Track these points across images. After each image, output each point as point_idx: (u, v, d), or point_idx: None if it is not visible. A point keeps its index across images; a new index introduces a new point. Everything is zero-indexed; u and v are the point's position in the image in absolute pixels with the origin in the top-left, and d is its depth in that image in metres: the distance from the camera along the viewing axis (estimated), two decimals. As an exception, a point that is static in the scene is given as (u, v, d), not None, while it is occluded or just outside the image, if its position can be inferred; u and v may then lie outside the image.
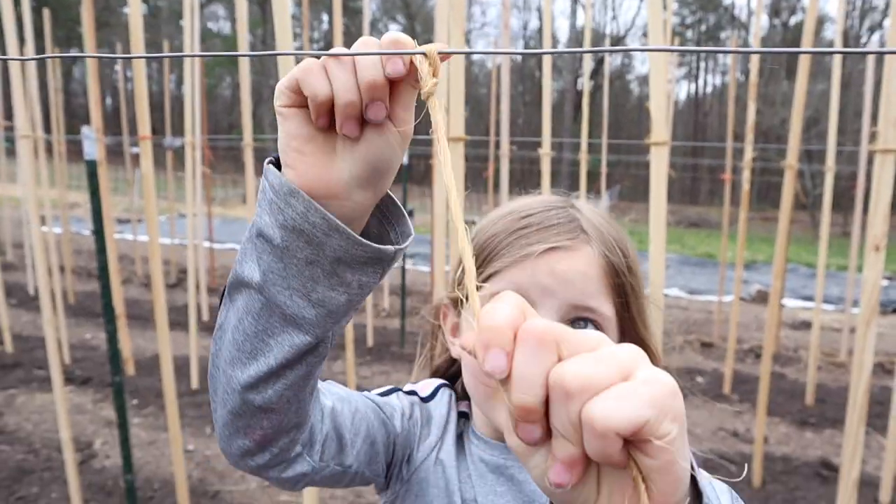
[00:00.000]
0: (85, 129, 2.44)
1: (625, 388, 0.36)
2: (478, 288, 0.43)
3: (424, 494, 0.79)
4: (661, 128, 1.90)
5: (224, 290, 0.62)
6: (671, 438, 0.36)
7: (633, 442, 0.36)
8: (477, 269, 0.70)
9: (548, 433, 0.38)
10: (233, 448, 0.65)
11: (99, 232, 2.56)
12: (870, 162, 4.01)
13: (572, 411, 0.36)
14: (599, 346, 0.38)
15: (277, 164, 0.58)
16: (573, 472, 0.38)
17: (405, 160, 5.65)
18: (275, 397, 0.60)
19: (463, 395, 0.88)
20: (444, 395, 0.86)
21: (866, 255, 2.09)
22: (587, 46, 4.95)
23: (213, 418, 0.66)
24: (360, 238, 0.55)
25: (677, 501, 0.38)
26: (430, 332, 0.89)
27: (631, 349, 0.39)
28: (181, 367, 4.68)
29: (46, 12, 6.11)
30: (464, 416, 0.85)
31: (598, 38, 23.99)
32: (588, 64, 5.14)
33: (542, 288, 0.70)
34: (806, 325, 6.72)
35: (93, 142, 2.36)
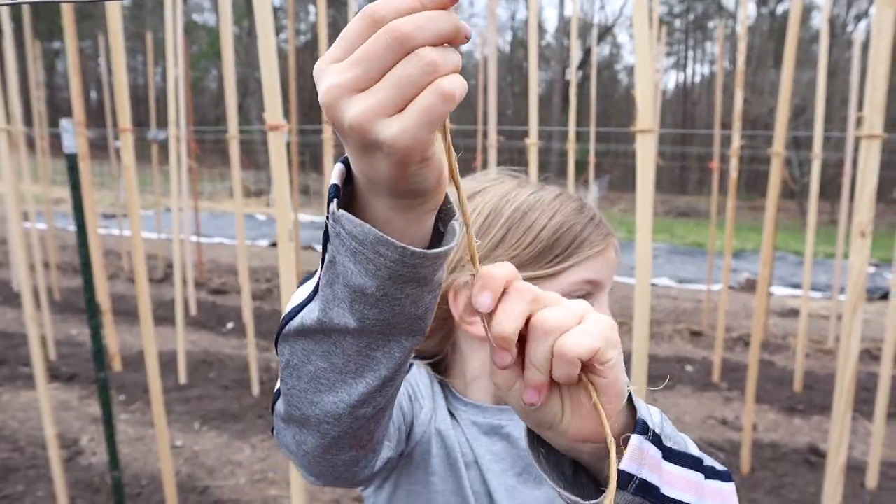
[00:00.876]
0: (64, 122, 2.39)
1: (582, 327, 0.50)
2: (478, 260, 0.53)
3: (427, 465, 0.80)
4: (646, 115, 1.88)
5: (283, 329, 0.56)
6: (614, 362, 0.51)
7: (586, 366, 0.50)
8: (562, 252, 0.78)
9: (520, 367, 0.52)
10: (337, 466, 0.62)
11: (81, 227, 2.52)
12: (856, 149, 4.02)
13: (547, 346, 0.49)
14: (560, 301, 0.52)
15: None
16: (541, 394, 0.52)
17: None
18: (384, 400, 0.58)
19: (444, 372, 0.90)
20: (421, 367, 0.86)
21: (852, 241, 2.09)
22: (574, 36, 4.92)
23: (298, 454, 0.61)
24: (448, 248, 0.49)
25: (620, 409, 0.54)
26: None
27: (581, 303, 0.52)
28: (169, 362, 4.64)
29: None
30: (444, 387, 0.87)
31: (585, 26, 23.96)
32: (576, 52, 5.13)
33: (609, 274, 0.82)
34: (794, 313, 6.76)
35: (72, 135, 2.32)
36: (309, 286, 0.56)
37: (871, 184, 2.08)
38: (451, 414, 0.84)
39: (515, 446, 0.82)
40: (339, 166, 0.49)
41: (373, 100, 0.38)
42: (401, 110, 0.39)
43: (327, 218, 0.48)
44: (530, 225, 0.77)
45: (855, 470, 3.33)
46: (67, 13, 4.25)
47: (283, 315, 0.56)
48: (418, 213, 0.48)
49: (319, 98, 0.40)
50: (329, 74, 0.40)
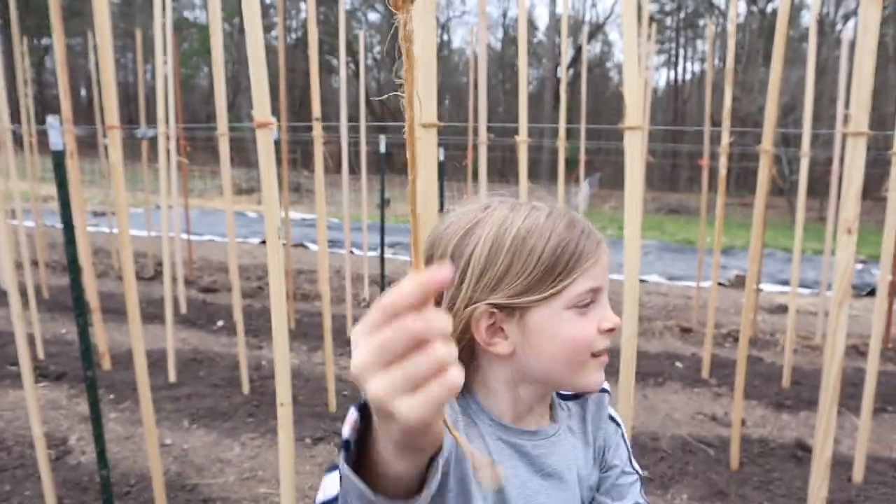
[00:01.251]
0: (50, 119, 2.38)
1: None
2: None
3: (446, 483, 0.84)
4: (635, 112, 1.89)
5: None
6: None
7: None
8: (563, 269, 0.84)
9: None
10: None
11: (68, 224, 2.51)
12: (844, 146, 4.04)
13: None
14: None
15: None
16: None
17: (383, 149, 5.62)
18: None
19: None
20: None
21: (838, 238, 2.10)
22: (564, 33, 4.93)
23: None
24: (426, 498, 0.60)
25: None
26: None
27: None
28: (159, 360, 4.62)
29: None
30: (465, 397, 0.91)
31: (576, 24, 23.98)
32: (566, 50, 5.14)
33: (606, 278, 0.88)
34: (783, 309, 6.80)
35: (58, 131, 2.31)
36: (336, 480, 0.70)
37: (857, 181, 2.09)
38: (473, 424, 0.88)
39: (532, 463, 0.89)
40: (354, 414, 0.59)
41: (391, 380, 0.47)
42: (415, 389, 0.47)
43: (340, 458, 0.61)
44: (531, 250, 0.82)
45: (842, 465, 3.36)
46: (54, 9, 4.21)
47: (318, 502, 0.76)
48: (418, 460, 0.58)
49: (351, 366, 0.49)
50: (359, 350, 0.48)
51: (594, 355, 0.86)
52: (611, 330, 0.86)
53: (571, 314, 0.83)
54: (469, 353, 0.89)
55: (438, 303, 0.87)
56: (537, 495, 0.88)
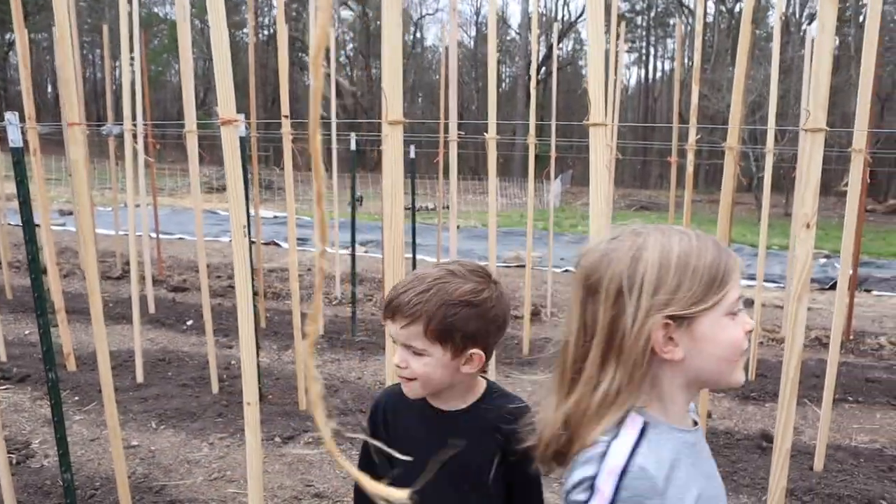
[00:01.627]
0: (8, 115, 2.33)
1: None
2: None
3: None
4: (599, 109, 1.91)
5: None
6: None
7: None
8: (720, 282, 0.96)
9: None
10: None
11: (28, 222, 2.46)
12: (806, 144, 4.11)
13: None
14: None
15: None
16: None
17: (353, 146, 5.60)
18: None
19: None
20: (645, 456, 0.94)
21: (797, 233, 2.14)
22: (535, 31, 4.96)
23: None
24: None
25: None
26: (605, 357, 0.98)
27: None
28: (126, 360, 4.56)
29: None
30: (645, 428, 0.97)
31: (549, 23, 24.10)
32: (537, 48, 5.16)
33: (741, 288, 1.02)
34: (749, 303, 6.93)
35: (16, 128, 2.26)
36: None
37: (815, 176, 2.14)
38: (664, 442, 0.96)
39: (705, 458, 1.02)
40: None
41: None
42: None
43: None
44: (693, 269, 0.96)
45: (804, 454, 3.44)
46: (15, 3, 4.11)
47: None
48: None
49: None
50: None
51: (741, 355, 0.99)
52: (750, 331, 0.99)
53: (727, 320, 0.96)
54: (641, 365, 0.98)
55: (616, 324, 0.97)
56: (711, 481, 1.01)
